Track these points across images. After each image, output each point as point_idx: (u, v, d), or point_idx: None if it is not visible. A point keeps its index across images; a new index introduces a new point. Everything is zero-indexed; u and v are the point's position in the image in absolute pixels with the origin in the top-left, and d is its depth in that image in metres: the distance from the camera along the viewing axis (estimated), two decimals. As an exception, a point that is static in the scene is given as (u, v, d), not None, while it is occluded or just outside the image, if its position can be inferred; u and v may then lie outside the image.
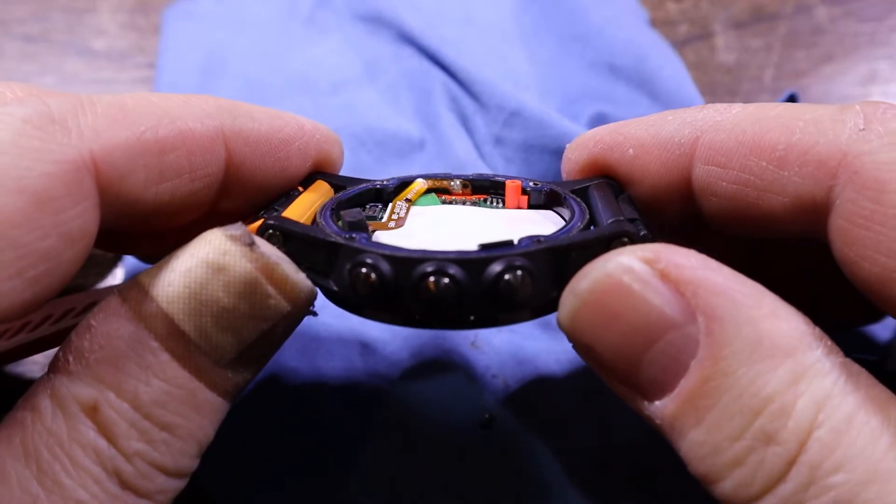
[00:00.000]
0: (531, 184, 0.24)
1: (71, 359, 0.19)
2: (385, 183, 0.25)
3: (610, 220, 0.21)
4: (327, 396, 0.29)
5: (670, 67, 0.39)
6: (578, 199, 0.23)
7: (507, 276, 0.19)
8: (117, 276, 0.35)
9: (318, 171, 0.25)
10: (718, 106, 0.23)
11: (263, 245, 0.20)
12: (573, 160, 0.25)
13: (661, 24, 0.45)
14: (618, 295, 0.18)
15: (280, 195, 0.24)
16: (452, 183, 0.25)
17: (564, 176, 0.25)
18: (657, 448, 0.19)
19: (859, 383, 0.17)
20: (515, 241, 0.20)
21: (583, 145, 0.25)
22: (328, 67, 0.42)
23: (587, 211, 0.22)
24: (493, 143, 0.37)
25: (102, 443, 0.18)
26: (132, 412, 0.18)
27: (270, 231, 0.21)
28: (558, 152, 0.35)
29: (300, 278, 0.20)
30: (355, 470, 0.27)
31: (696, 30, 0.45)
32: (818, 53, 0.44)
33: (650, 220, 0.24)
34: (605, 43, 0.40)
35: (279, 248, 0.20)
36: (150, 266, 0.26)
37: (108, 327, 0.19)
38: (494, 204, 0.24)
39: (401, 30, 0.42)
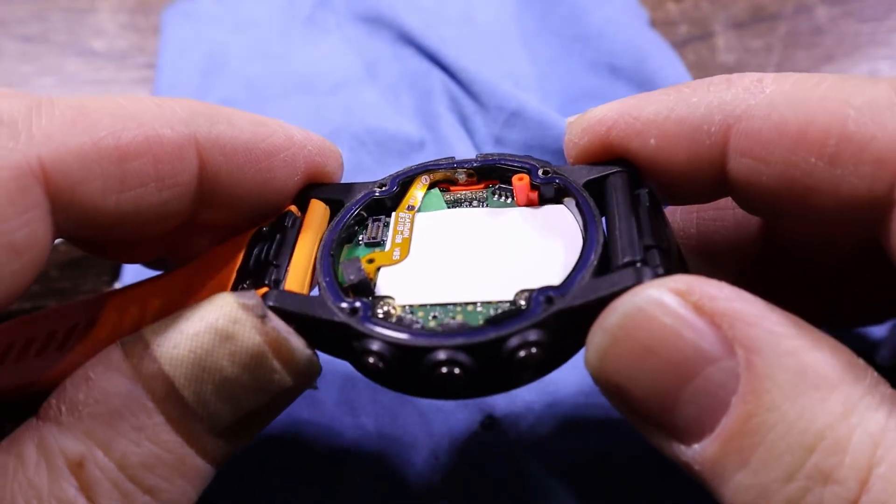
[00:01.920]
0: (540, 174, 0.22)
1: (63, 409, 0.18)
2: (384, 189, 0.23)
3: (625, 260, 0.19)
4: (327, 397, 0.29)
5: (670, 68, 0.39)
6: (592, 207, 0.21)
7: (520, 354, 0.18)
8: (119, 278, 0.35)
9: (313, 185, 0.24)
10: (747, 81, 0.20)
11: (274, 318, 0.19)
12: (581, 146, 0.22)
13: (661, 24, 0.45)
14: (650, 330, 0.17)
15: (274, 219, 0.23)
16: (458, 174, 0.24)
17: (569, 159, 0.23)
18: (659, 453, 0.18)
19: None
20: (523, 302, 0.19)
21: (591, 130, 0.22)
22: (328, 67, 0.42)
23: (601, 225, 0.21)
24: (494, 143, 0.37)
25: (82, 501, 0.17)
26: (117, 473, 0.18)
27: (272, 312, 0.20)
28: (559, 152, 0.35)
29: (307, 355, 0.19)
30: (355, 471, 0.27)
31: (696, 30, 0.45)
32: (818, 54, 0.44)
33: (671, 228, 0.22)
34: (605, 43, 0.40)
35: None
36: (154, 274, 0.25)
37: (107, 382, 0.18)
38: (504, 199, 0.23)
39: (401, 30, 0.42)
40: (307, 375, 0.20)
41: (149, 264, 0.29)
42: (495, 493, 0.27)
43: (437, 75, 0.40)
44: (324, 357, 0.21)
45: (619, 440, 0.27)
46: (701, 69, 0.43)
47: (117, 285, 0.34)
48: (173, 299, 0.23)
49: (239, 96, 0.40)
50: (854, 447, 0.15)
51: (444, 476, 0.27)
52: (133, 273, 0.33)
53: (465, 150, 0.37)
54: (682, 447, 0.17)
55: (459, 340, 0.18)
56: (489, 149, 0.37)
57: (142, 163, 0.19)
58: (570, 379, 0.29)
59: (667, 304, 0.17)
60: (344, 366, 0.21)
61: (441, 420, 0.28)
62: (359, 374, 0.21)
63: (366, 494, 0.27)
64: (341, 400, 0.29)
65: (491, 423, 0.28)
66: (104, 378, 0.18)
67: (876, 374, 0.16)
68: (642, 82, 0.38)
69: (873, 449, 0.15)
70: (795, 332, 0.17)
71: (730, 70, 0.43)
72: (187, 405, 0.18)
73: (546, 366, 0.19)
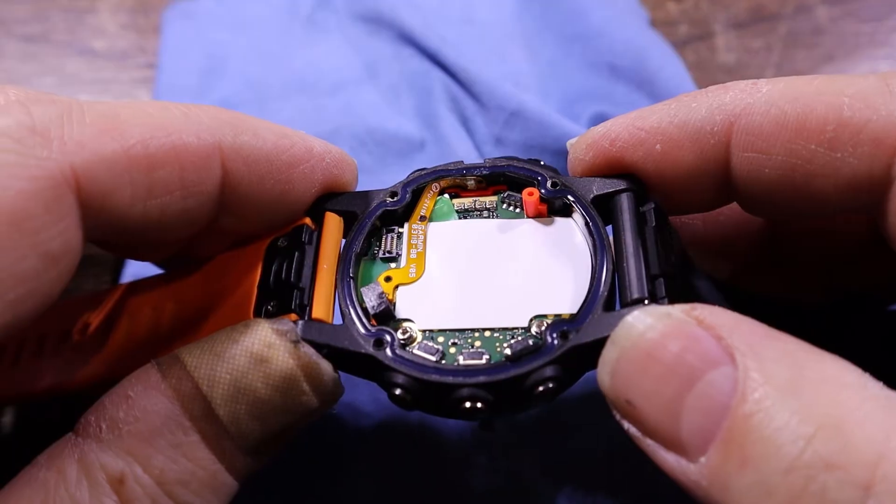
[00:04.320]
0: (549, 185, 0.23)
1: (104, 426, 0.19)
2: (396, 199, 0.24)
3: (634, 297, 0.20)
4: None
5: (670, 68, 0.39)
6: (602, 230, 0.22)
7: (539, 389, 0.19)
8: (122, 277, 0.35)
9: (327, 194, 0.24)
10: (742, 85, 0.21)
11: (305, 344, 0.20)
12: (587, 161, 0.23)
13: (661, 24, 0.45)
14: (654, 338, 0.18)
15: (289, 231, 0.23)
16: (467, 181, 0.24)
17: (574, 176, 0.24)
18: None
19: None
20: (536, 331, 0.21)
21: (596, 145, 0.23)
22: (328, 67, 0.42)
23: (610, 250, 0.21)
24: (494, 143, 0.37)
25: None
26: (156, 489, 0.18)
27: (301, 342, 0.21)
28: (559, 153, 0.35)
29: (334, 378, 0.21)
30: (355, 470, 0.27)
31: (697, 30, 0.45)
32: (818, 54, 0.44)
33: (679, 239, 0.23)
34: (605, 43, 0.40)
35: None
36: (153, 270, 0.25)
37: (147, 401, 0.19)
38: (513, 208, 0.24)
39: (401, 30, 0.42)
40: (332, 397, 0.21)
41: (157, 264, 0.29)
42: (494, 494, 0.27)
43: (438, 75, 0.40)
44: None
45: (617, 441, 0.27)
46: (701, 69, 0.43)
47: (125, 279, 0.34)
48: (188, 305, 0.24)
49: (239, 96, 0.40)
50: (861, 434, 0.15)
51: (444, 476, 0.27)
52: (134, 273, 0.33)
53: (465, 150, 0.37)
54: (691, 466, 0.17)
55: (482, 379, 0.20)
56: (489, 149, 0.37)
57: (169, 171, 0.20)
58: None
59: (672, 316, 0.18)
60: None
61: (440, 420, 0.28)
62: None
63: (365, 495, 0.27)
64: (341, 400, 0.29)
65: (489, 423, 0.28)
66: (144, 397, 0.19)
67: (879, 382, 0.17)
68: (642, 82, 0.38)
69: (885, 437, 0.15)
70: (795, 342, 0.17)
71: (730, 70, 0.43)
72: (221, 424, 0.19)
73: (559, 392, 0.20)
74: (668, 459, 0.18)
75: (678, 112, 0.22)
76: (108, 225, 0.19)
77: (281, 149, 0.22)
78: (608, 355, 0.19)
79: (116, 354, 0.24)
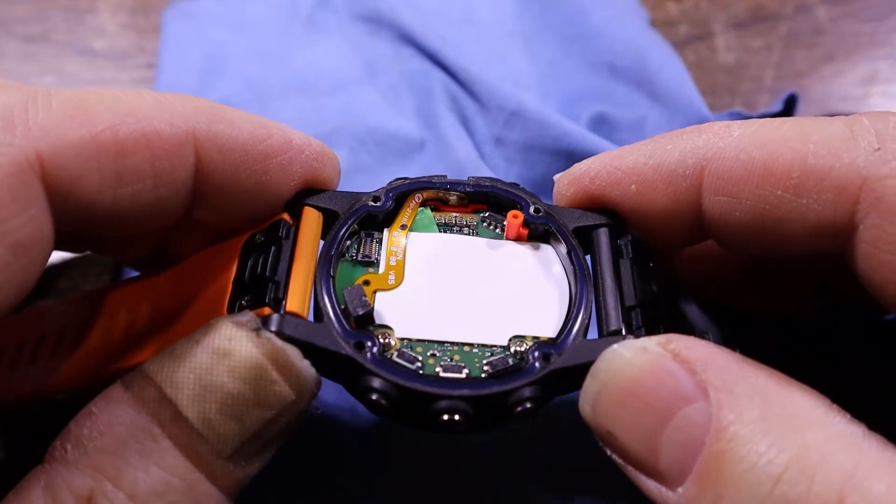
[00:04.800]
0: (532, 211, 0.23)
1: (69, 447, 0.18)
2: (378, 204, 0.23)
3: (612, 329, 0.21)
4: (327, 397, 0.29)
5: (670, 68, 0.39)
6: (582, 260, 0.22)
7: (518, 409, 0.20)
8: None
9: (308, 190, 0.23)
10: (717, 128, 0.22)
11: (267, 332, 0.19)
12: (568, 196, 0.24)
13: (661, 24, 0.45)
14: (631, 374, 0.18)
15: (266, 227, 0.22)
16: (450, 196, 0.24)
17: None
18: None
19: (894, 457, 0.16)
20: (518, 349, 0.21)
21: (576, 182, 0.23)
22: (328, 67, 0.42)
23: (591, 281, 0.22)
24: (494, 143, 0.37)
25: None
26: (128, 503, 0.18)
27: (276, 336, 0.20)
28: (558, 153, 0.35)
29: (305, 366, 0.20)
30: (354, 471, 0.27)
31: (696, 30, 0.45)
32: (818, 54, 0.44)
33: (656, 266, 0.23)
34: (605, 43, 0.40)
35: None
36: (136, 273, 0.25)
37: (110, 414, 0.18)
38: (493, 228, 0.24)
39: (401, 30, 0.42)
40: (308, 389, 0.20)
41: (132, 265, 0.29)
42: (493, 497, 0.27)
43: (438, 75, 0.40)
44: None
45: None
46: (701, 69, 0.43)
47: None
48: (163, 303, 0.23)
49: (239, 96, 0.40)
50: (823, 477, 0.16)
51: (442, 479, 0.27)
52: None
53: (465, 150, 0.37)
54: (670, 493, 0.18)
55: (464, 392, 0.19)
56: (489, 149, 0.37)
57: (139, 158, 0.19)
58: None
59: (648, 350, 0.18)
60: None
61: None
62: None
63: (364, 495, 0.27)
64: (341, 400, 0.29)
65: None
66: (107, 410, 0.18)
67: (848, 415, 0.17)
68: (642, 82, 0.38)
69: (844, 479, 0.15)
70: (766, 376, 0.18)
71: (730, 70, 0.43)
72: (192, 426, 0.18)
73: (535, 413, 0.20)
74: (650, 486, 0.18)
75: (653, 154, 0.22)
76: (77, 212, 0.19)
77: (258, 139, 0.21)
78: (589, 388, 0.19)
79: (92, 358, 0.24)
